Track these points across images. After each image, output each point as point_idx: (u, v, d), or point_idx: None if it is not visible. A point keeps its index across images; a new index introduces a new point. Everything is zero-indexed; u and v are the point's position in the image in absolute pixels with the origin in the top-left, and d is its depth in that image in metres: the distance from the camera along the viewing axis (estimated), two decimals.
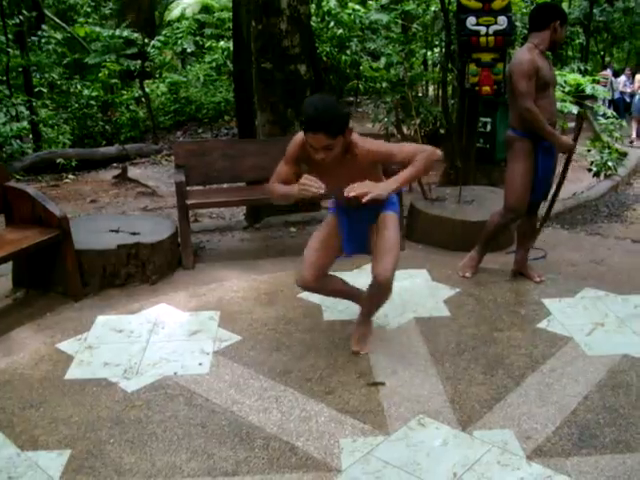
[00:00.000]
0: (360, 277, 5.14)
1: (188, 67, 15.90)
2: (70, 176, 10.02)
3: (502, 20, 6.60)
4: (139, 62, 12.92)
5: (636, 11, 16.89)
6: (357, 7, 11.91)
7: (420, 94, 13.21)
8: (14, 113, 10.42)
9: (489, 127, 8.60)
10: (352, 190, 3.27)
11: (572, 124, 12.42)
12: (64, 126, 11.80)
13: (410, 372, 3.72)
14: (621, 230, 6.68)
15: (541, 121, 4.47)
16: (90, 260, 4.93)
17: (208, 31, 16.45)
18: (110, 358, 3.92)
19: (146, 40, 13.48)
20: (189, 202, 5.43)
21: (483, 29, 6.60)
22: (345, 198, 3.36)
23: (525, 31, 9.44)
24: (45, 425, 3.29)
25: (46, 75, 12.93)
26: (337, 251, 3.87)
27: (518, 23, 10.50)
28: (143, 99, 13.22)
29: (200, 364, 3.80)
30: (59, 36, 13.63)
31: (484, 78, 6.73)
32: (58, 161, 10.04)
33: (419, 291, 4.88)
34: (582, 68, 13.10)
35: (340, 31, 12.06)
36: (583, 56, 15.38)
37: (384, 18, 11.24)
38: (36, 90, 12.02)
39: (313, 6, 11.15)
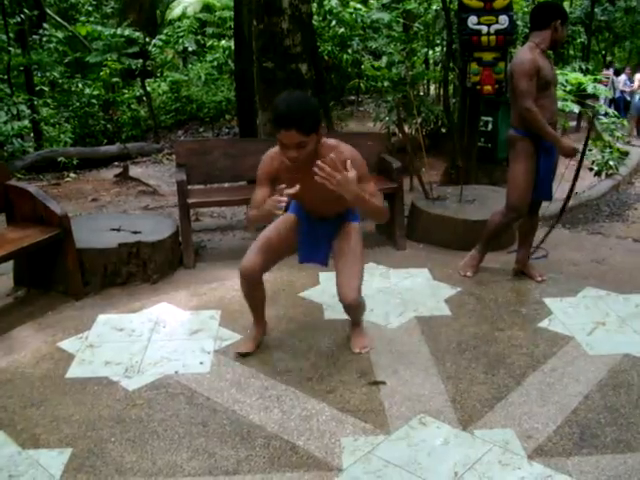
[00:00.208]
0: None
1: (189, 66, 15.88)
2: (71, 175, 10.01)
3: (503, 19, 6.60)
4: (140, 61, 12.90)
5: (638, 10, 16.86)
6: (358, 6, 11.91)
7: (421, 93, 13.22)
8: (15, 112, 10.40)
9: (490, 126, 8.62)
10: (323, 169, 3.12)
11: (573, 123, 12.46)
12: (65, 125, 11.78)
13: (411, 371, 3.72)
14: (622, 229, 6.68)
15: (541, 121, 4.46)
16: (91, 259, 4.93)
17: (209, 30, 16.44)
18: (111, 357, 3.92)
19: (147, 39, 13.46)
20: (190, 201, 5.44)
21: (484, 28, 6.60)
22: (313, 210, 3.47)
23: (526, 30, 9.45)
24: (46, 424, 3.29)
25: (47, 74, 12.92)
26: (288, 251, 3.82)
27: (519, 22, 10.51)
28: (144, 98, 13.21)
29: (201, 363, 3.80)
30: (60, 35, 13.61)
31: (485, 77, 6.73)
32: (59, 160, 10.03)
33: (420, 290, 4.88)
34: (583, 67, 13.09)
35: (341, 30, 12.05)
36: (584, 55, 15.33)
37: (385, 17, 11.24)
38: (37, 89, 12.01)
39: (315, 5, 11.14)
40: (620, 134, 10.05)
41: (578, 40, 15.65)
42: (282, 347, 4.04)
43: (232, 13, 11.28)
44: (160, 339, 4.14)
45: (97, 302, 4.78)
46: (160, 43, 14.08)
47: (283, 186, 3.15)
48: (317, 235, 3.74)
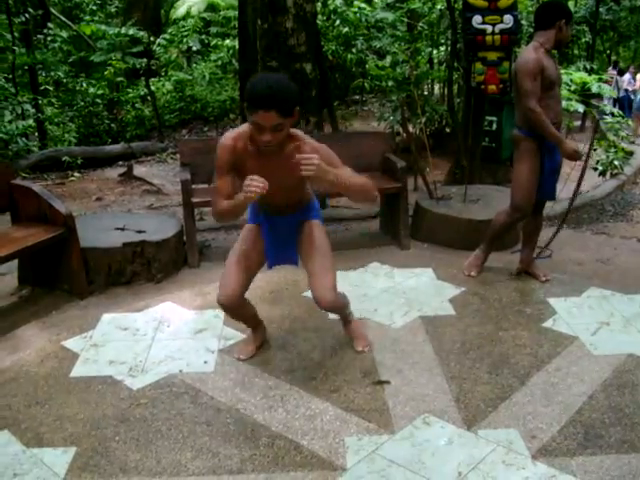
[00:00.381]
0: (366, 275, 5.15)
1: (194, 65, 15.89)
2: (76, 174, 10.02)
3: (508, 19, 6.58)
4: (145, 60, 12.92)
5: None
6: (363, 5, 11.88)
7: (425, 93, 13.20)
8: (20, 111, 10.41)
9: (495, 126, 8.61)
10: (300, 157, 3.00)
11: (578, 123, 12.44)
12: (70, 124, 11.80)
13: (415, 371, 3.72)
14: (627, 229, 6.67)
15: (544, 121, 4.45)
16: (96, 258, 4.94)
17: (214, 29, 16.46)
18: (115, 356, 3.92)
19: (152, 38, 13.48)
20: (194, 200, 5.44)
21: (489, 28, 6.58)
22: (274, 203, 3.34)
23: (531, 30, 9.43)
24: (50, 422, 3.29)
25: (52, 73, 12.92)
26: (259, 264, 3.63)
27: (524, 22, 10.49)
28: (149, 97, 13.21)
29: (205, 362, 3.80)
30: (65, 34, 13.61)
31: (490, 77, 6.72)
32: (64, 159, 10.05)
33: (424, 290, 4.87)
34: (588, 67, 13.06)
35: (346, 29, 12.03)
36: (589, 55, 15.31)
37: (390, 16, 11.24)
38: (42, 88, 12.02)
39: (319, 4, 11.13)
40: (625, 134, 10.04)
41: (583, 39, 15.63)
42: (286, 347, 4.04)
43: (236, 12, 11.30)
44: (164, 338, 4.14)
45: (101, 301, 4.79)
46: (164, 42, 14.10)
47: (255, 177, 3.00)
48: (281, 235, 3.59)
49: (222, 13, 16.51)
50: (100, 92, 12.59)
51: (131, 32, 13.09)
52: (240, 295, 3.50)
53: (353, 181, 3.27)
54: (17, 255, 4.58)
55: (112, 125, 12.53)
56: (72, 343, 4.12)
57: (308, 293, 4.75)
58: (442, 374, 3.69)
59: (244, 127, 3.29)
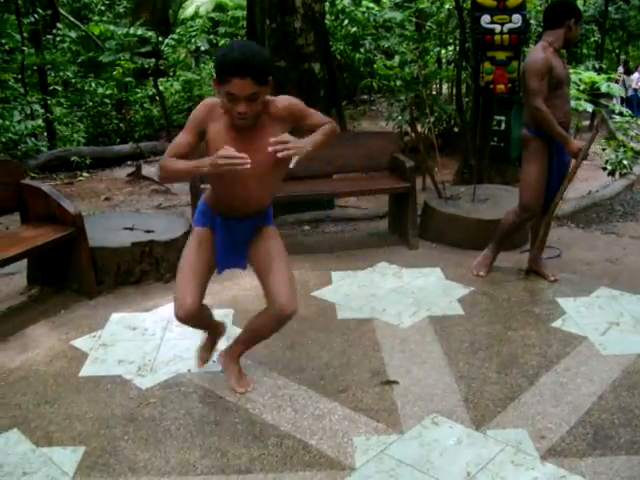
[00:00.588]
0: (375, 275, 5.15)
1: (202, 65, 15.90)
2: (84, 174, 10.05)
3: (517, 18, 6.57)
4: (153, 60, 12.94)
5: None
6: (371, 5, 11.86)
7: (434, 92, 13.19)
8: (29, 111, 10.45)
9: (503, 125, 8.58)
10: (275, 144, 2.82)
11: (587, 122, 12.40)
12: (78, 124, 11.83)
13: (424, 371, 3.72)
14: (636, 229, 6.64)
15: (551, 120, 4.45)
16: (104, 258, 4.94)
17: (222, 29, 16.46)
18: (124, 355, 3.93)
19: (160, 38, 13.49)
20: None
21: (498, 27, 6.57)
22: (239, 199, 3.06)
23: (540, 29, 9.41)
24: (60, 421, 3.30)
25: (61, 73, 12.97)
26: (211, 271, 3.40)
27: (533, 21, 10.47)
28: (157, 97, 13.23)
29: (214, 362, 3.80)
30: (74, 34, 13.63)
31: (498, 76, 6.71)
32: (72, 159, 10.08)
33: (433, 290, 4.87)
34: (597, 66, 13.03)
35: (354, 29, 12.03)
36: (598, 54, 15.28)
37: (398, 16, 11.22)
38: (51, 88, 12.06)
39: (327, 4, 11.13)
40: (634, 133, 10.00)
41: (592, 39, 15.61)
42: (295, 346, 4.04)
43: (244, 12, 11.29)
44: (173, 338, 4.15)
45: (110, 301, 4.80)
46: (173, 42, 14.11)
47: (232, 150, 2.82)
48: (234, 239, 3.32)
49: (230, 13, 16.51)
50: (109, 92, 12.62)
51: (139, 32, 13.12)
52: (198, 307, 3.26)
53: (323, 138, 3.11)
54: (26, 255, 4.60)
55: (121, 125, 12.57)
56: (81, 342, 4.13)
57: (317, 293, 4.78)
58: (451, 374, 3.69)
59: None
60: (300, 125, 3.17)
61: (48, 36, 13.10)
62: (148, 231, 5.26)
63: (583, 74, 8.85)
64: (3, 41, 10.85)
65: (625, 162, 8.42)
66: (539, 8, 10.95)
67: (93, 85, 12.71)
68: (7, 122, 9.33)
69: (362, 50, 12.37)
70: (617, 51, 20.99)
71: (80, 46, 14.14)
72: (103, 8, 15.79)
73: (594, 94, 8.87)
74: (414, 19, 11.76)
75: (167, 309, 4.55)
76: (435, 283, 5.01)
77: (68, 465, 2.96)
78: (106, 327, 4.33)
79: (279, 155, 2.83)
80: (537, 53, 4.50)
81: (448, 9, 10.54)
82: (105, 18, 15.24)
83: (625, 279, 5.09)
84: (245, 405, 3.41)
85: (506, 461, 2.93)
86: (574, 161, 4.65)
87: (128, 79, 13.35)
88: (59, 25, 13.60)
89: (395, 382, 3.60)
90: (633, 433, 3.14)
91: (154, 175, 9.63)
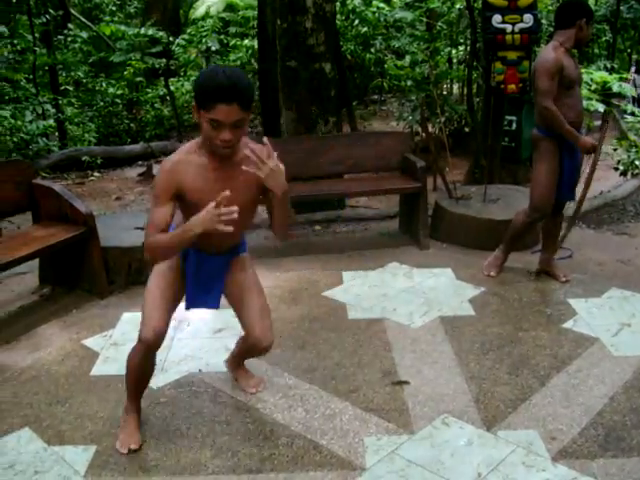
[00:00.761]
0: (385, 275, 5.15)
1: (212, 65, 15.93)
2: (95, 174, 10.08)
3: (528, 18, 6.56)
4: (164, 60, 12.95)
5: None
6: (381, 5, 11.88)
7: (445, 92, 13.17)
8: (40, 111, 10.48)
9: (514, 125, 8.54)
10: (254, 152, 2.64)
11: (598, 122, 12.35)
12: (89, 124, 11.86)
13: (435, 371, 3.71)
14: None
15: (559, 119, 4.43)
16: (116, 257, 4.96)
17: (232, 29, 16.46)
18: None
19: (171, 38, 13.50)
20: None
21: (509, 27, 6.56)
22: (216, 234, 2.65)
23: (551, 29, 9.38)
24: (71, 421, 3.32)
25: (72, 73, 13.02)
26: (178, 299, 3.17)
27: (544, 20, 10.44)
28: (168, 97, 13.26)
29: (225, 361, 3.81)
30: (85, 35, 13.67)
31: (510, 76, 6.70)
32: (83, 159, 10.11)
33: (444, 290, 4.86)
34: (609, 66, 12.97)
35: (364, 29, 12.04)
36: (610, 54, 15.20)
37: (408, 16, 11.21)
38: (62, 88, 12.10)
39: (338, 4, 11.14)
40: None
41: (603, 38, 15.53)
42: (305, 346, 4.04)
43: (255, 12, 11.31)
44: (184, 337, 4.16)
45: (121, 300, 4.81)
46: (183, 42, 14.12)
47: (226, 193, 2.56)
48: (208, 275, 3.15)
49: (241, 13, 16.51)
50: (120, 92, 12.64)
51: (150, 32, 13.13)
52: (165, 333, 3.01)
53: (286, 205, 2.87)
54: (38, 254, 4.61)
55: (131, 125, 12.58)
56: (92, 342, 4.15)
57: (327, 293, 4.78)
58: (461, 374, 3.68)
59: (185, 147, 2.87)
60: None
61: (59, 36, 13.14)
62: None
63: (595, 74, 8.81)
64: (15, 41, 10.90)
65: (637, 162, 8.37)
66: (550, 7, 10.91)
67: (104, 85, 12.73)
68: (19, 122, 9.36)
69: (373, 50, 12.37)
70: (629, 51, 20.84)
71: (91, 46, 14.18)
72: (114, 8, 15.84)
73: (606, 94, 8.83)
74: (425, 19, 11.74)
75: (178, 308, 4.56)
76: (446, 283, 5.00)
77: (80, 464, 2.98)
78: (117, 326, 4.34)
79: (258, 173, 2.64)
80: (548, 53, 4.49)
81: (459, 9, 10.53)
82: (116, 18, 15.27)
83: (637, 280, 5.06)
84: (256, 405, 3.42)
85: (517, 462, 2.93)
86: (587, 159, 4.64)
87: (139, 79, 13.35)
88: (70, 25, 13.64)
89: (406, 382, 3.60)
90: None
91: None
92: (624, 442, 3.07)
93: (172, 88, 13.50)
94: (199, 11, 17.14)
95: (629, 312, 4.45)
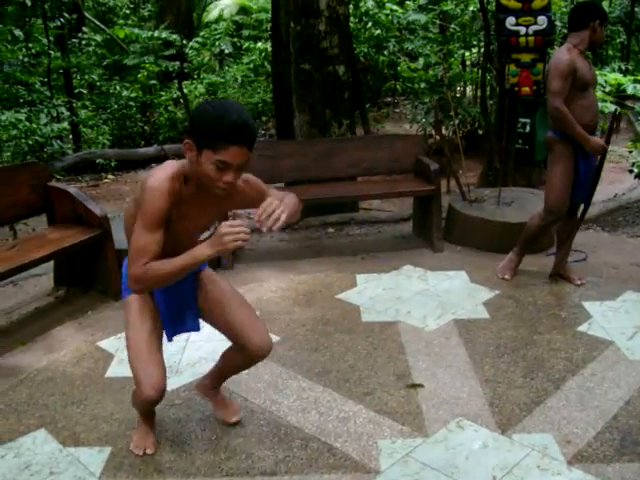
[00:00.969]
0: (399, 278, 5.14)
1: (226, 68, 15.95)
2: (109, 176, 10.14)
3: (542, 20, 6.53)
4: (177, 63, 12.99)
5: None
6: (395, 7, 11.84)
7: (458, 95, 13.15)
8: (55, 114, 10.55)
9: (528, 128, 8.53)
10: (265, 214, 2.42)
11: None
12: (103, 127, 11.93)
13: (449, 374, 3.70)
14: None
15: (570, 120, 4.41)
16: None
17: (246, 32, 16.51)
18: None
19: (184, 41, 13.55)
20: None
21: (523, 29, 6.53)
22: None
23: (565, 31, 9.34)
24: (86, 422, 3.33)
25: (86, 76, 13.08)
26: (161, 335, 2.98)
27: (558, 22, 10.39)
28: (181, 100, 13.29)
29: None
30: (99, 38, 13.76)
31: (524, 79, 6.67)
32: (98, 161, 10.17)
33: (458, 293, 4.85)
34: (623, 68, 12.91)
35: (378, 32, 12.01)
36: (624, 55, 15.12)
37: (422, 18, 11.19)
38: (76, 91, 12.18)
39: (351, 7, 11.14)
40: None
41: (617, 40, 15.45)
42: (319, 349, 4.04)
43: (268, 15, 11.34)
44: (198, 340, 4.16)
45: None
46: (197, 45, 14.17)
47: (235, 223, 2.41)
48: (179, 299, 2.98)
49: (254, 16, 16.55)
50: (133, 95, 12.71)
51: (164, 35, 13.17)
52: (165, 383, 2.83)
53: (291, 202, 2.63)
54: (53, 256, 4.64)
55: (145, 127, 12.65)
56: (107, 344, 4.17)
57: (341, 296, 4.78)
58: (476, 377, 3.67)
59: (174, 165, 2.60)
60: (258, 202, 2.51)
61: (74, 40, 13.23)
62: None
63: (609, 76, 8.78)
64: (30, 45, 10.99)
65: None
66: (564, 9, 10.86)
67: (118, 88, 12.81)
68: (34, 125, 9.42)
69: (386, 52, 12.35)
70: None
71: (105, 49, 14.27)
72: (128, 12, 15.94)
73: (620, 96, 8.79)
74: (438, 21, 11.73)
75: None
76: (460, 286, 4.99)
77: (94, 465, 2.99)
78: None
79: (268, 227, 2.43)
80: (561, 54, 4.47)
81: (472, 11, 10.50)
82: (130, 21, 15.36)
83: None
84: (270, 407, 3.42)
85: (532, 466, 2.92)
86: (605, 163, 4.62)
87: (152, 82, 13.43)
88: (84, 29, 13.72)
89: (420, 385, 3.60)
90: None
91: None
92: None
93: (185, 91, 13.51)
94: (212, 14, 17.21)
95: None
